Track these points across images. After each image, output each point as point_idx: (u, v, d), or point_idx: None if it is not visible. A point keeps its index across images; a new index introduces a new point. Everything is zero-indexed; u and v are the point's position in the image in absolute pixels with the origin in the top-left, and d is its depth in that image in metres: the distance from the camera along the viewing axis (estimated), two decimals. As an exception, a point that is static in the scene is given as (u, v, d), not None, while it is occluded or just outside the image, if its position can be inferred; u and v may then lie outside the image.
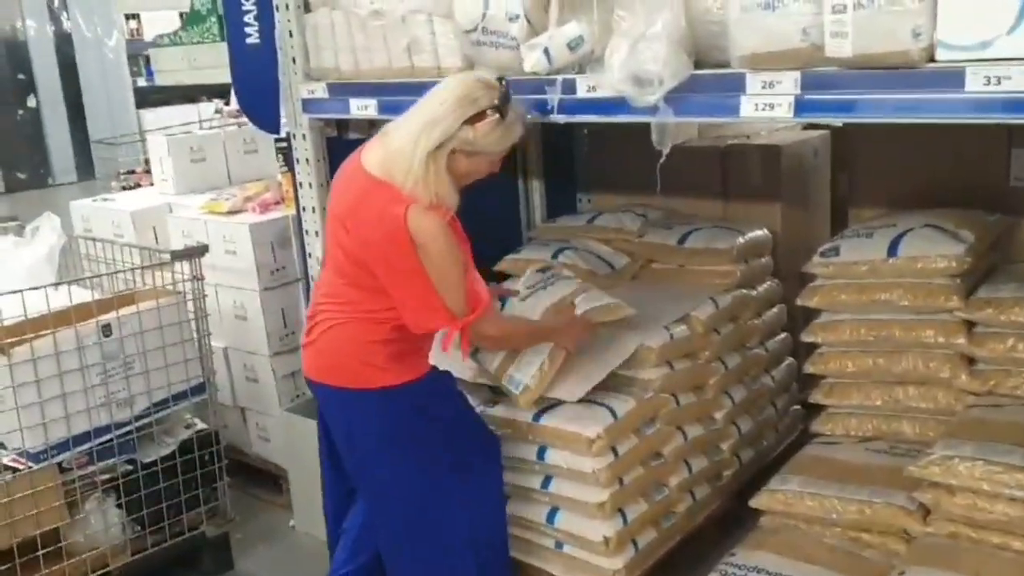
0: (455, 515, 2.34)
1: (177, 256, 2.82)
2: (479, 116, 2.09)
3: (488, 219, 3.42)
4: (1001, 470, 2.11)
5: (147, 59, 13.23)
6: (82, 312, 2.62)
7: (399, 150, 2.12)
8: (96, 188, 9.78)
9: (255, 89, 2.84)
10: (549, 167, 3.72)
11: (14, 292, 2.54)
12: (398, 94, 2.56)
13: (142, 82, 13.01)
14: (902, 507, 2.28)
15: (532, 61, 2.21)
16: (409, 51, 2.53)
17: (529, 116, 2.26)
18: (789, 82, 1.82)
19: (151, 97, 12.38)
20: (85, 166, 12.12)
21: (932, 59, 1.66)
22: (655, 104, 1.95)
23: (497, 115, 2.11)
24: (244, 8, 2.72)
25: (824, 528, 2.40)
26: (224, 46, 3.07)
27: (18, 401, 2.47)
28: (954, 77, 1.63)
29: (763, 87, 1.86)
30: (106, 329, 2.62)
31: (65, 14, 11.95)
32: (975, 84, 1.61)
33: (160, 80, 4.51)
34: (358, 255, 2.18)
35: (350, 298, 2.23)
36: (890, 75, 1.70)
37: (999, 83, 1.59)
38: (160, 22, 13.28)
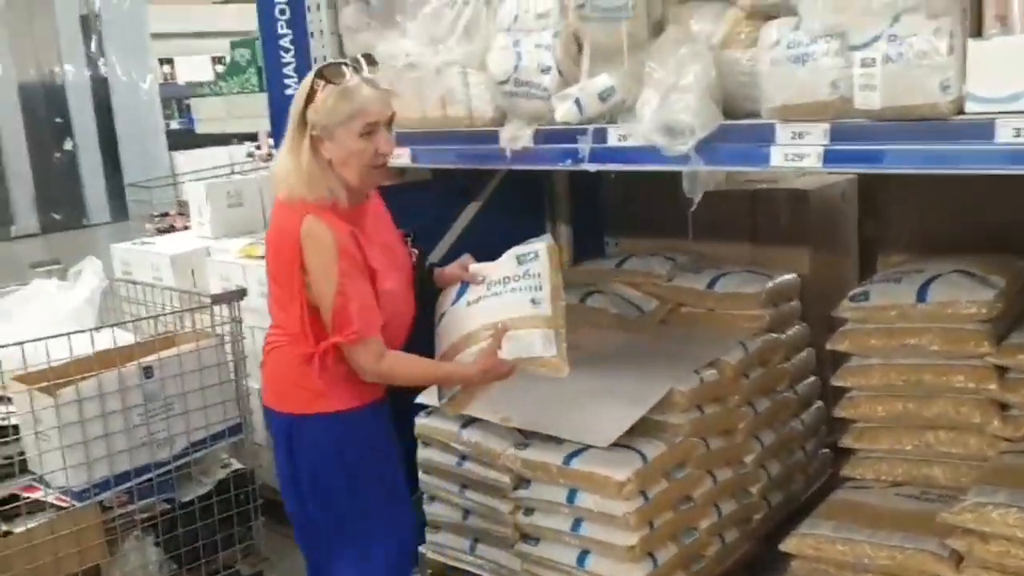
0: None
1: (217, 300, 2.89)
2: (312, 95, 2.13)
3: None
4: (1035, 517, 2.11)
5: (179, 102, 13.58)
6: (125, 354, 2.69)
7: (278, 165, 2.22)
8: (130, 229, 9.98)
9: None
10: (577, 211, 3.77)
11: (60, 335, 2.62)
12: (430, 143, 2.64)
13: (175, 124, 13.34)
14: (934, 553, 2.27)
15: (563, 111, 2.27)
16: (443, 101, 2.60)
17: (562, 165, 2.31)
18: (818, 133, 1.87)
19: (184, 139, 12.68)
20: (118, 207, 12.38)
21: (961, 111, 1.70)
22: (686, 153, 2.00)
23: (325, 83, 2.12)
24: (283, 61, 2.82)
25: (855, 574, 2.40)
26: (262, 96, 3.16)
27: (63, 440, 2.52)
28: (984, 129, 1.66)
29: (793, 137, 1.90)
30: (148, 371, 2.68)
31: (102, 59, 12.29)
32: (1005, 135, 1.65)
33: (200, 128, 4.66)
34: (271, 270, 2.26)
35: (280, 320, 2.28)
36: (919, 127, 1.74)
37: (1028, 135, 1.63)
38: (193, 66, 13.66)
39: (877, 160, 1.83)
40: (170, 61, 13.37)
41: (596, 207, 3.78)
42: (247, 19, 14.09)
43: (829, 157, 1.87)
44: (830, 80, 1.82)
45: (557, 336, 2.25)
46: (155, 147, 12.69)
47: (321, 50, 2.80)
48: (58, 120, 12.02)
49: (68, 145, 12.13)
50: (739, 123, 2.01)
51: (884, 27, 1.72)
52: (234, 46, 4.00)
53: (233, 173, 4.56)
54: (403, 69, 2.62)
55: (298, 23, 2.81)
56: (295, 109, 2.17)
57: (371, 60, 2.24)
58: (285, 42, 2.81)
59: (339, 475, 2.27)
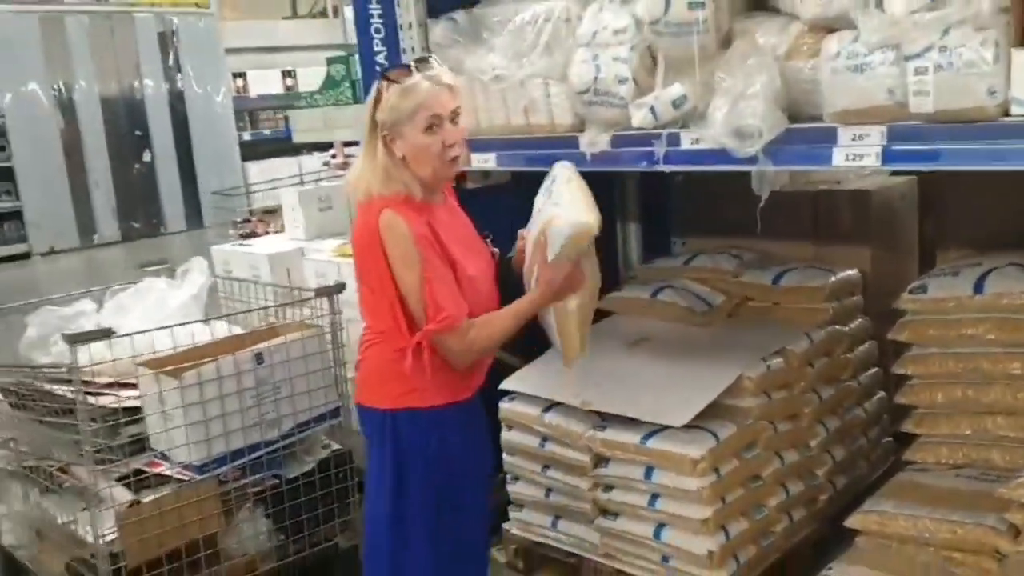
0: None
1: (320, 292, 3.16)
2: (379, 98, 2.31)
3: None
4: (1087, 489, 2.26)
5: (251, 114, 14.05)
6: (238, 342, 2.97)
7: (355, 171, 2.38)
8: (206, 236, 10.41)
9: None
10: (645, 212, 3.96)
11: (181, 324, 2.91)
12: (514, 148, 2.87)
13: (247, 136, 13.83)
14: (993, 527, 2.40)
15: (640, 118, 2.48)
16: (526, 111, 2.83)
17: (639, 166, 2.52)
18: (876, 135, 2.05)
19: (255, 150, 13.14)
20: (194, 216, 12.86)
21: (1007, 114, 1.87)
22: (755, 155, 2.20)
23: (389, 84, 2.29)
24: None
25: (917, 548, 2.53)
26: (357, 107, 3.43)
27: (186, 419, 2.81)
28: (1029, 129, 1.84)
29: (853, 139, 2.09)
30: (259, 357, 2.96)
31: (179, 74, 12.80)
32: (1047, 135, 1.83)
33: (297, 138, 4.97)
34: (360, 273, 2.39)
35: (371, 322, 2.43)
36: (968, 128, 1.91)
37: (1069, 135, 1.80)
38: (265, 81, 14.12)
39: (931, 159, 2.01)
40: (242, 75, 13.82)
41: (664, 208, 3.97)
42: (313, 34, 14.52)
43: (887, 156, 2.06)
44: (887, 87, 2.01)
45: (583, 212, 2.33)
46: (228, 157, 13.16)
47: (414, 65, 3.05)
48: (137, 133, 12.54)
49: (147, 157, 12.66)
50: (804, 126, 2.20)
51: (935, 39, 1.90)
52: (330, 62, 4.31)
53: (319, 181, 4.86)
54: (489, 82, 2.85)
55: (392, 41, 3.07)
56: (366, 114, 2.34)
57: (424, 61, 2.37)
58: (380, 58, 3.08)
59: (419, 470, 2.41)
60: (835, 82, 2.09)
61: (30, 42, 11.29)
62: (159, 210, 12.64)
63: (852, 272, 3.33)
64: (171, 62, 12.78)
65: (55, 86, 11.71)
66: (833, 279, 3.21)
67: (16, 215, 11.37)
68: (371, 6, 3.03)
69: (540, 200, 2.53)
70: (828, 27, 2.22)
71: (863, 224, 3.50)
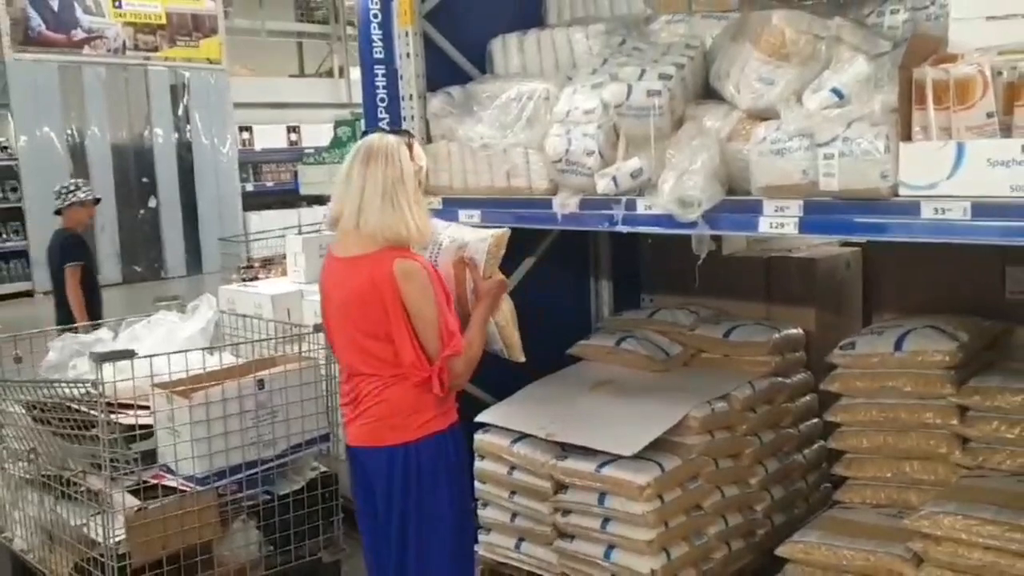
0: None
1: (317, 329, 3.51)
2: (411, 149, 2.60)
3: (562, 311, 4.08)
4: (977, 523, 2.58)
5: (255, 166, 14.54)
6: (243, 369, 3.32)
7: (384, 224, 2.49)
8: (205, 282, 10.76)
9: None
10: (617, 271, 4.34)
11: (190, 351, 3.27)
12: (497, 207, 3.26)
13: (249, 187, 14.28)
14: (899, 555, 2.74)
15: (603, 186, 2.87)
16: (508, 175, 3.23)
17: (602, 227, 2.92)
18: (795, 207, 2.45)
19: (257, 201, 13.58)
20: (194, 262, 13.28)
21: (896, 194, 2.28)
22: (695, 221, 2.59)
23: (412, 138, 2.66)
24: (382, 138, 3.50)
25: (838, 574, 2.85)
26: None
27: (193, 435, 3.14)
28: (913, 207, 2.23)
29: (776, 210, 2.49)
30: (261, 383, 3.30)
31: (188, 125, 13.32)
32: (928, 213, 2.22)
33: (304, 190, 5.43)
34: (364, 325, 2.53)
35: (376, 367, 2.56)
36: (866, 205, 2.32)
37: (944, 213, 2.19)
38: (270, 135, 14.63)
39: (838, 229, 2.42)
40: (248, 129, 14.34)
41: (635, 267, 4.36)
42: (318, 92, 15.02)
43: (804, 226, 2.46)
44: (802, 168, 2.41)
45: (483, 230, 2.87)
46: (231, 207, 13.64)
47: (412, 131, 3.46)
48: (144, 180, 13.01)
49: (152, 203, 13.09)
50: (736, 199, 2.60)
51: (840, 131, 2.32)
52: (337, 124, 4.77)
53: (318, 231, 5.28)
54: (477, 148, 3.27)
55: (394, 108, 3.49)
56: (398, 165, 2.51)
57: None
58: (383, 123, 3.49)
59: (451, 484, 2.64)
60: (761, 162, 2.50)
61: (48, 89, 11.88)
62: (160, 254, 13.11)
63: (795, 330, 3.71)
64: (181, 113, 13.35)
65: (69, 132, 12.25)
66: (777, 336, 3.58)
67: (22, 254, 11.78)
68: (377, 79, 3.46)
69: (444, 242, 2.93)
70: (762, 116, 2.64)
71: (809, 288, 3.89)
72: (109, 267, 12.50)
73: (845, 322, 4.03)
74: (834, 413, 3.23)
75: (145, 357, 3.13)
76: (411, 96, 3.45)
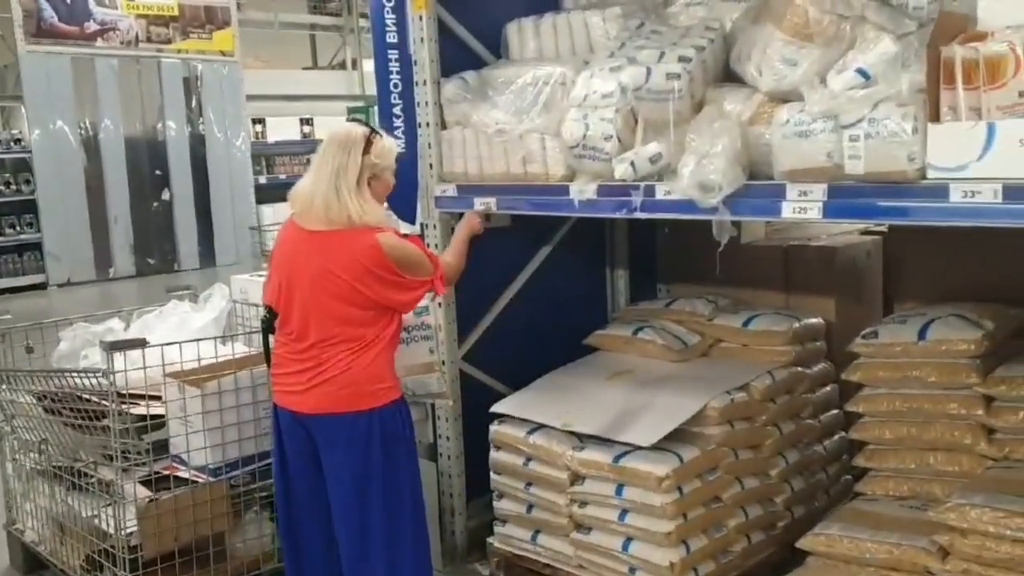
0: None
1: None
2: (368, 144, 2.69)
3: (578, 301, 4.04)
4: (1005, 515, 2.52)
5: (268, 159, 14.52)
6: (254, 359, 3.28)
7: (328, 206, 2.64)
8: (218, 274, 10.74)
9: (399, 188, 3.53)
10: (633, 260, 4.29)
11: (204, 339, 3.23)
12: (512, 194, 3.22)
13: (262, 179, 14.27)
14: (924, 548, 2.68)
15: (621, 171, 2.82)
16: (523, 161, 3.18)
17: (619, 214, 2.86)
18: (819, 191, 2.39)
19: (270, 193, 13.56)
20: (207, 255, 13.29)
21: (924, 177, 2.21)
22: (715, 206, 2.54)
23: (377, 135, 2.73)
24: (395, 124, 3.44)
25: (860, 567, 2.80)
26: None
27: (205, 424, 3.11)
28: (941, 191, 2.17)
29: (799, 195, 2.43)
30: (273, 372, 3.26)
31: (201, 117, 13.32)
32: (957, 196, 2.16)
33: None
34: (349, 294, 2.65)
35: (352, 334, 2.68)
36: (893, 188, 2.26)
37: (974, 196, 2.13)
38: (283, 127, 14.62)
39: (864, 214, 2.35)
40: (261, 121, 14.33)
41: (651, 257, 4.31)
42: (331, 84, 15.02)
43: (828, 211, 2.40)
44: (826, 151, 2.35)
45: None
46: (244, 200, 13.63)
47: (426, 117, 3.42)
48: (158, 172, 13.02)
49: (165, 196, 13.10)
50: (758, 183, 2.54)
51: (866, 112, 2.26)
52: (350, 111, 4.70)
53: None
54: (493, 134, 3.22)
55: (407, 95, 3.44)
56: (348, 156, 2.65)
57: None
58: (397, 110, 3.44)
59: (408, 455, 2.78)
60: (784, 145, 2.44)
61: (61, 82, 11.88)
62: (174, 247, 13.11)
63: (816, 320, 3.65)
64: (194, 105, 13.34)
65: (82, 125, 12.26)
66: (797, 325, 3.52)
67: (36, 246, 11.82)
68: (391, 64, 3.41)
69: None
70: (784, 98, 2.58)
71: (829, 277, 3.83)
72: (122, 259, 12.53)
73: (865, 311, 3.97)
74: (856, 403, 3.17)
75: (157, 346, 3.10)
76: (425, 82, 3.40)
